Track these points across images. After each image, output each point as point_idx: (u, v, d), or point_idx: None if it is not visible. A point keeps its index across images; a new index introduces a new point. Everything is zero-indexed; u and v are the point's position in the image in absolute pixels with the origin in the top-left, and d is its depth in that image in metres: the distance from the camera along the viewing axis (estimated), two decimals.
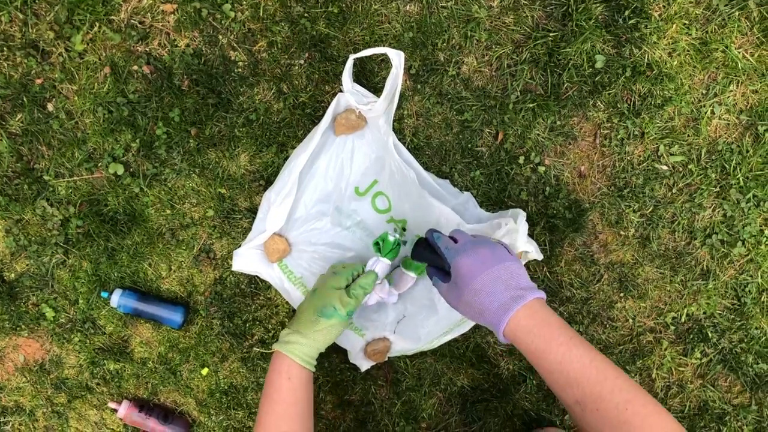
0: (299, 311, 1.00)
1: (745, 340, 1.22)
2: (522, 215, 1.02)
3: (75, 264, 1.20)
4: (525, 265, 1.16)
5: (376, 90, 1.10)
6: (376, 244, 1.06)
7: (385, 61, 1.10)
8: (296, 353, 0.95)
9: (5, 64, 1.08)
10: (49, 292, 1.22)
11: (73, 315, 1.24)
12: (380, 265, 1.05)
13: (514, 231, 1.01)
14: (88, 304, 1.22)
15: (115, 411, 1.27)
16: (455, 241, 0.90)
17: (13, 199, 1.16)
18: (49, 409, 1.30)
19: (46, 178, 1.15)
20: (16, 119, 1.12)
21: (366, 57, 1.09)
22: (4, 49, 1.07)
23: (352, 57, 1.00)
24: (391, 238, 1.05)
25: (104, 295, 1.19)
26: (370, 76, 1.10)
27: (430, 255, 0.96)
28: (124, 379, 1.28)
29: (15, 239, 1.18)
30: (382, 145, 1.09)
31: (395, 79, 1.00)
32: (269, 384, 0.95)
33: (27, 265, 1.21)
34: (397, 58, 0.98)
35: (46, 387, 1.29)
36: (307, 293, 1.06)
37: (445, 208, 1.06)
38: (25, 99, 1.10)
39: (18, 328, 1.24)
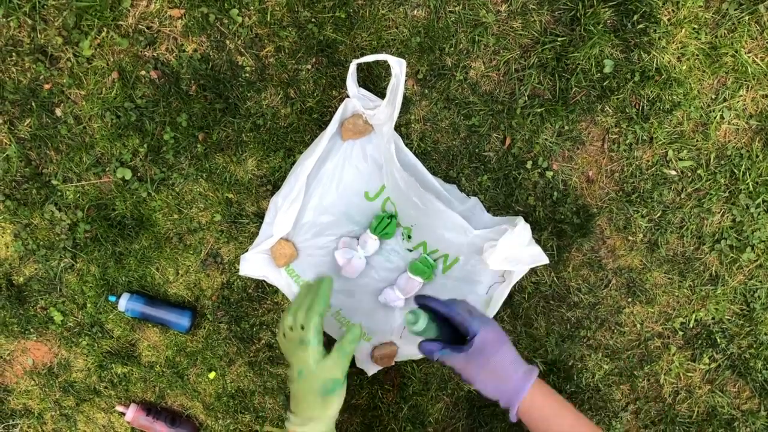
0: (298, 398, 0.93)
1: (754, 346, 1.21)
2: (521, 224, 1.02)
3: (83, 268, 1.21)
4: (532, 271, 1.16)
5: (384, 95, 1.10)
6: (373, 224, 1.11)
7: (392, 66, 1.09)
8: None
9: (14, 70, 1.09)
10: (58, 296, 1.22)
11: (81, 319, 1.24)
12: (371, 242, 1.12)
13: (519, 239, 1.01)
14: (96, 307, 1.23)
15: (122, 414, 1.28)
16: (468, 310, 0.90)
17: (22, 204, 1.16)
18: (58, 412, 1.31)
19: (54, 182, 1.15)
20: (25, 124, 1.12)
21: (373, 62, 1.09)
22: (13, 54, 1.08)
23: (354, 62, 1.00)
24: (383, 215, 1.10)
25: (112, 299, 1.20)
26: (378, 81, 1.10)
27: (438, 332, 0.91)
28: (131, 382, 1.28)
29: (23, 243, 1.19)
30: (385, 152, 1.09)
31: (396, 87, 0.98)
32: None
33: (35, 269, 1.21)
34: (398, 66, 0.96)
35: (55, 390, 1.29)
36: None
37: (451, 213, 1.06)
38: (33, 104, 1.10)
39: (26, 332, 1.25)
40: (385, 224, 1.11)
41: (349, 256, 1.13)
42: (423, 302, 0.92)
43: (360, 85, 1.06)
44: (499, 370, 0.86)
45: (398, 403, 1.26)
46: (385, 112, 1.02)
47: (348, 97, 1.05)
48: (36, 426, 1.32)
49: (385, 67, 1.09)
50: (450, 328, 0.92)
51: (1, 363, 1.29)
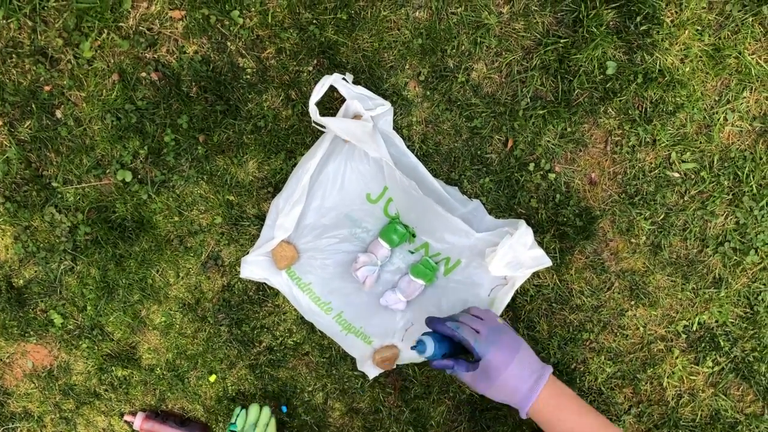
0: None
1: (758, 349, 1.21)
2: (522, 227, 1.02)
3: (83, 270, 1.20)
4: (535, 274, 1.15)
5: (385, 96, 1.09)
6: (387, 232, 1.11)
7: (393, 67, 1.09)
8: None
9: (14, 71, 1.08)
10: (58, 299, 1.22)
11: (81, 321, 1.24)
12: (383, 251, 1.12)
13: (521, 242, 1.00)
14: (96, 310, 1.22)
15: (130, 423, 1.28)
16: (476, 331, 0.95)
17: (22, 206, 1.16)
18: (57, 415, 1.30)
19: (54, 184, 1.15)
20: (25, 126, 1.12)
21: (374, 63, 1.08)
22: (13, 56, 1.07)
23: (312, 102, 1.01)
24: (399, 228, 1.10)
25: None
26: (379, 83, 1.10)
27: (449, 347, 0.98)
28: (131, 385, 1.28)
29: (23, 246, 1.19)
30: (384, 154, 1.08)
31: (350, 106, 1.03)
32: None
33: (35, 271, 1.21)
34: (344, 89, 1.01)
35: (54, 393, 1.29)
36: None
37: (451, 215, 1.06)
38: (33, 106, 1.10)
39: (26, 335, 1.24)
40: (404, 238, 1.11)
41: (371, 272, 1.12)
42: (431, 326, 0.98)
43: (359, 86, 1.06)
44: (508, 386, 0.93)
45: (400, 406, 1.25)
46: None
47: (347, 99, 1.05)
48: (36, 429, 1.32)
49: (386, 68, 1.09)
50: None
51: (0, 366, 1.28)
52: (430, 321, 0.98)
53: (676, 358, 1.21)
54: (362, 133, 1.02)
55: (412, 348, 0.97)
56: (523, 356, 0.94)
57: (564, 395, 0.96)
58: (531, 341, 1.20)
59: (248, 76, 1.10)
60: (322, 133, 1.08)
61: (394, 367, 1.18)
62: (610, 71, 1.07)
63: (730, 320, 1.20)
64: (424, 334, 0.99)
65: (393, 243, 1.11)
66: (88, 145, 1.13)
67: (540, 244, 1.13)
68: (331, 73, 1.02)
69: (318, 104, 1.01)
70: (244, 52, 1.09)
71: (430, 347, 0.96)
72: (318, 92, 1.00)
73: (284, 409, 1.27)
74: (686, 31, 1.05)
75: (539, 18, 1.06)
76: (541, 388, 0.92)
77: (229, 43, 1.09)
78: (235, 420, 1.19)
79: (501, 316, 1.15)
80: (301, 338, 1.24)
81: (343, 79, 1.02)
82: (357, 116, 1.06)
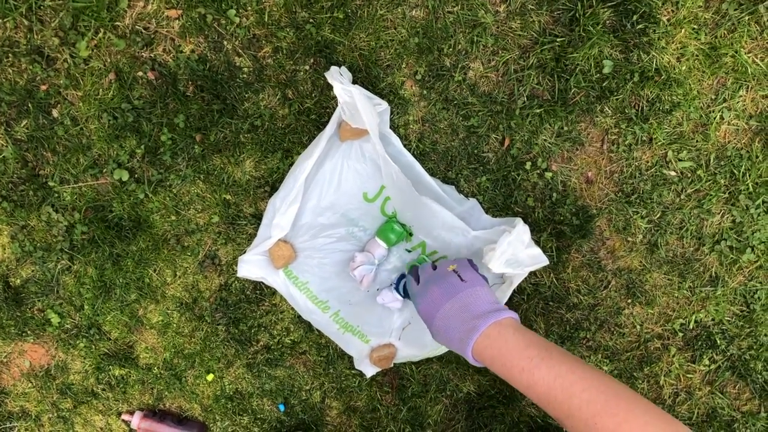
0: None
1: (754, 347, 1.21)
2: (520, 225, 1.01)
3: (80, 270, 1.20)
4: (531, 272, 1.15)
5: (382, 95, 1.09)
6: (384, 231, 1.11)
7: (390, 66, 1.09)
8: None
9: (10, 71, 1.08)
10: (55, 298, 1.22)
11: (78, 321, 1.23)
12: (380, 250, 1.12)
13: (518, 240, 1.00)
14: (94, 309, 1.22)
15: (127, 422, 1.28)
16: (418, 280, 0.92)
17: (19, 205, 1.16)
18: (55, 414, 1.30)
19: (51, 184, 1.15)
20: (21, 125, 1.11)
21: (371, 62, 1.08)
22: (10, 55, 1.07)
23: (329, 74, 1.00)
24: (396, 227, 1.10)
25: None
26: (376, 82, 1.09)
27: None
28: (129, 384, 1.28)
29: (20, 245, 1.18)
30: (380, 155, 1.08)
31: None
32: None
33: (32, 270, 1.21)
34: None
35: (52, 392, 1.29)
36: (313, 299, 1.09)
37: (447, 214, 1.06)
38: (30, 105, 1.10)
39: (23, 334, 1.24)
40: (402, 237, 1.11)
41: (368, 271, 1.12)
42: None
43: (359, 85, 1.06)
44: (441, 336, 0.85)
45: (397, 404, 1.25)
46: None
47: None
48: (33, 428, 1.32)
49: (383, 68, 1.09)
50: None
51: None
52: (410, 269, 0.99)
53: (673, 356, 1.21)
54: (377, 118, 1.02)
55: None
56: (452, 309, 0.83)
57: (509, 351, 0.76)
58: None
59: (245, 76, 1.10)
60: (319, 132, 1.08)
61: (392, 365, 1.18)
62: (606, 70, 1.07)
63: (726, 318, 1.20)
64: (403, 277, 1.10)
65: (390, 242, 1.11)
66: (85, 145, 1.13)
67: (537, 242, 1.13)
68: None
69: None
70: (240, 51, 1.09)
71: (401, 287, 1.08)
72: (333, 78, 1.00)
73: (282, 407, 1.27)
74: (683, 30, 1.05)
75: (536, 17, 1.06)
76: (473, 341, 0.78)
77: (225, 42, 1.09)
78: None
79: None
80: (299, 337, 1.24)
81: (340, 73, 1.02)
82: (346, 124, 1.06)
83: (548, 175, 1.13)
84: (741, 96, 1.09)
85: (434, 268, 0.92)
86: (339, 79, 1.00)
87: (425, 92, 1.10)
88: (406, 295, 1.12)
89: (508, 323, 0.79)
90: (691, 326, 1.20)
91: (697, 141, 1.11)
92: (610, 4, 1.04)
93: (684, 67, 1.07)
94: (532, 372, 0.73)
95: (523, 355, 0.75)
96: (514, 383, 0.76)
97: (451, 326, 0.82)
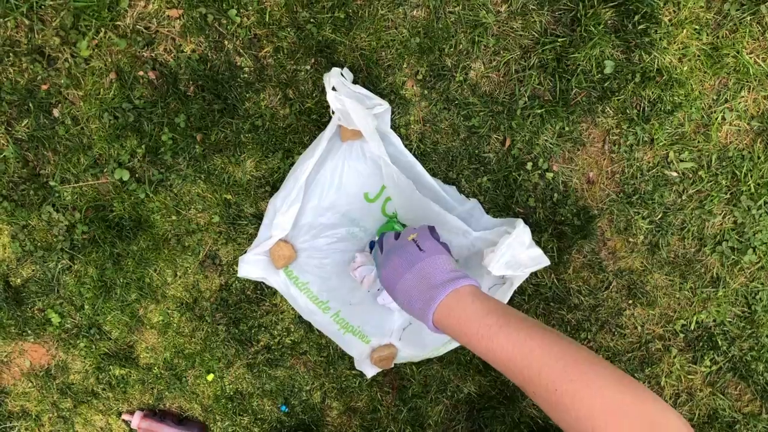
0: None
1: (756, 348, 1.21)
2: (521, 226, 1.01)
3: (81, 269, 1.20)
4: (532, 273, 1.15)
5: (383, 95, 1.09)
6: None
7: (391, 66, 1.09)
8: None
9: (11, 70, 1.08)
10: (55, 298, 1.22)
11: (78, 320, 1.23)
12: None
13: (519, 241, 1.00)
14: (94, 309, 1.22)
15: (128, 422, 1.28)
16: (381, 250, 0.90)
17: (19, 205, 1.16)
18: (55, 414, 1.30)
19: (51, 183, 1.14)
20: (22, 125, 1.11)
21: (372, 62, 1.08)
22: (10, 54, 1.07)
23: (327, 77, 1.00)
24: (396, 226, 1.10)
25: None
26: (377, 82, 1.09)
27: None
28: (129, 384, 1.28)
29: (21, 245, 1.18)
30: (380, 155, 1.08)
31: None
32: None
33: (33, 270, 1.21)
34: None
35: (52, 392, 1.29)
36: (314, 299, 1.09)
37: (448, 215, 1.06)
38: (31, 105, 1.10)
39: (24, 334, 1.24)
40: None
41: (369, 272, 1.12)
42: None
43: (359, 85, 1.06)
44: (404, 304, 0.83)
45: (397, 405, 1.25)
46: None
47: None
48: (33, 428, 1.32)
49: (384, 68, 1.09)
50: None
51: None
52: (379, 236, 0.97)
53: (674, 357, 1.21)
54: (371, 122, 1.02)
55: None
56: (411, 279, 0.82)
57: (468, 318, 0.75)
58: None
59: (246, 75, 1.10)
60: (320, 132, 1.08)
61: (392, 366, 1.18)
62: (608, 70, 1.07)
63: (727, 319, 1.20)
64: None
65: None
66: (86, 144, 1.13)
67: (538, 243, 1.13)
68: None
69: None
70: (241, 50, 1.09)
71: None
72: (330, 82, 1.00)
73: (284, 408, 1.27)
74: (684, 30, 1.05)
75: (537, 17, 1.06)
76: (431, 311, 0.78)
77: (226, 42, 1.09)
78: None
79: None
80: (299, 337, 1.24)
81: (342, 75, 1.02)
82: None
83: (549, 175, 1.13)
84: (743, 96, 1.09)
85: (397, 237, 0.91)
86: (337, 83, 1.00)
87: (426, 92, 1.10)
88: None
89: (466, 291, 0.78)
90: (692, 327, 1.20)
91: (698, 142, 1.11)
92: (611, 4, 1.03)
93: (685, 68, 1.07)
94: (491, 339, 0.72)
95: (482, 323, 0.74)
96: (474, 351, 0.75)
97: (412, 297, 0.81)
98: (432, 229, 0.91)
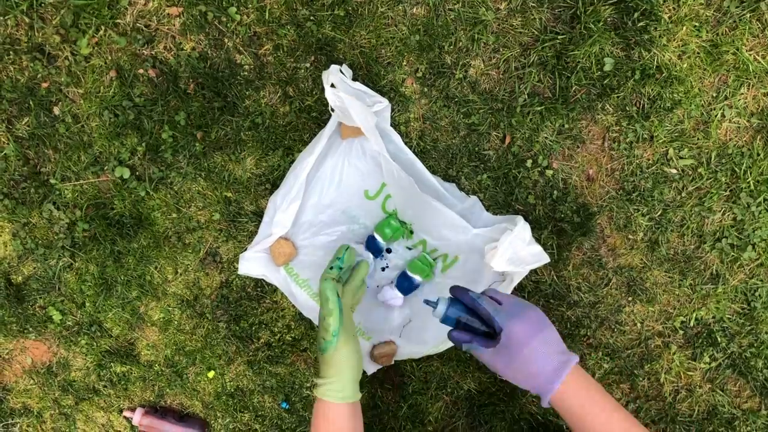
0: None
1: (755, 345, 1.21)
2: (521, 223, 1.02)
3: (82, 267, 1.20)
4: (532, 270, 1.15)
5: (383, 93, 1.09)
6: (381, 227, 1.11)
7: (391, 64, 1.09)
8: (320, 393, 0.95)
9: (11, 68, 1.08)
10: (56, 295, 1.22)
11: (80, 318, 1.24)
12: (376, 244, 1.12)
13: (519, 238, 1.00)
14: (95, 307, 1.23)
15: (129, 419, 1.28)
16: (498, 302, 0.87)
17: (20, 203, 1.16)
18: (57, 411, 1.31)
19: (52, 181, 1.15)
20: (23, 123, 1.12)
21: (372, 59, 1.08)
22: (11, 53, 1.07)
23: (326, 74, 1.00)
24: (393, 222, 1.10)
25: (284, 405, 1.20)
26: (377, 79, 1.09)
27: (468, 318, 0.90)
28: (130, 381, 1.28)
29: (22, 242, 1.19)
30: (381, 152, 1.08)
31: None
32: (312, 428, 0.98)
33: (34, 268, 1.21)
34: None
35: (54, 389, 1.29)
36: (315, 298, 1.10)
37: (448, 211, 1.06)
38: (31, 103, 1.10)
39: (25, 331, 1.25)
40: (399, 233, 1.12)
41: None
42: (453, 292, 0.91)
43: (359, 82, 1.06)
44: (529, 365, 0.82)
45: (398, 402, 1.26)
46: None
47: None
48: (35, 425, 1.32)
49: (383, 65, 1.09)
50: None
51: (0, 362, 1.29)
52: (454, 289, 0.91)
53: (674, 353, 1.21)
54: (371, 119, 1.02)
55: (425, 301, 0.93)
56: (549, 336, 0.84)
57: (593, 388, 0.84)
58: None
59: (246, 73, 1.10)
60: (320, 129, 1.08)
61: (392, 363, 1.18)
62: (607, 67, 1.07)
63: (727, 316, 1.20)
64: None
65: (386, 237, 1.11)
66: (86, 142, 1.13)
67: (538, 240, 1.13)
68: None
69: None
70: (241, 48, 1.09)
71: (442, 307, 0.90)
72: (328, 79, 1.00)
73: (285, 405, 1.28)
74: (684, 28, 1.05)
75: (537, 14, 1.06)
76: (567, 372, 0.81)
77: (226, 40, 1.09)
78: (343, 255, 1.02)
79: None
80: (300, 334, 1.24)
81: (341, 71, 1.02)
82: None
83: (549, 172, 1.13)
84: (742, 94, 1.09)
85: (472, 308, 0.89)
86: (336, 80, 1.00)
87: (426, 90, 1.10)
88: (405, 292, 1.12)
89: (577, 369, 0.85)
90: (691, 324, 1.20)
91: (698, 139, 1.11)
92: (611, 1, 1.04)
93: (685, 65, 1.07)
94: (611, 412, 0.83)
95: (605, 396, 0.85)
96: (593, 418, 0.83)
97: (548, 355, 0.83)
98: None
